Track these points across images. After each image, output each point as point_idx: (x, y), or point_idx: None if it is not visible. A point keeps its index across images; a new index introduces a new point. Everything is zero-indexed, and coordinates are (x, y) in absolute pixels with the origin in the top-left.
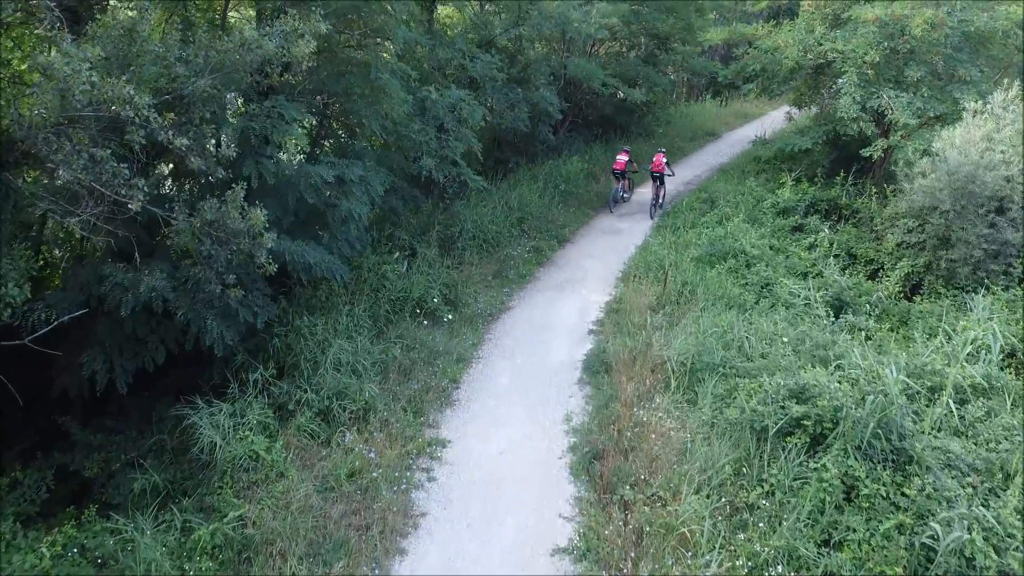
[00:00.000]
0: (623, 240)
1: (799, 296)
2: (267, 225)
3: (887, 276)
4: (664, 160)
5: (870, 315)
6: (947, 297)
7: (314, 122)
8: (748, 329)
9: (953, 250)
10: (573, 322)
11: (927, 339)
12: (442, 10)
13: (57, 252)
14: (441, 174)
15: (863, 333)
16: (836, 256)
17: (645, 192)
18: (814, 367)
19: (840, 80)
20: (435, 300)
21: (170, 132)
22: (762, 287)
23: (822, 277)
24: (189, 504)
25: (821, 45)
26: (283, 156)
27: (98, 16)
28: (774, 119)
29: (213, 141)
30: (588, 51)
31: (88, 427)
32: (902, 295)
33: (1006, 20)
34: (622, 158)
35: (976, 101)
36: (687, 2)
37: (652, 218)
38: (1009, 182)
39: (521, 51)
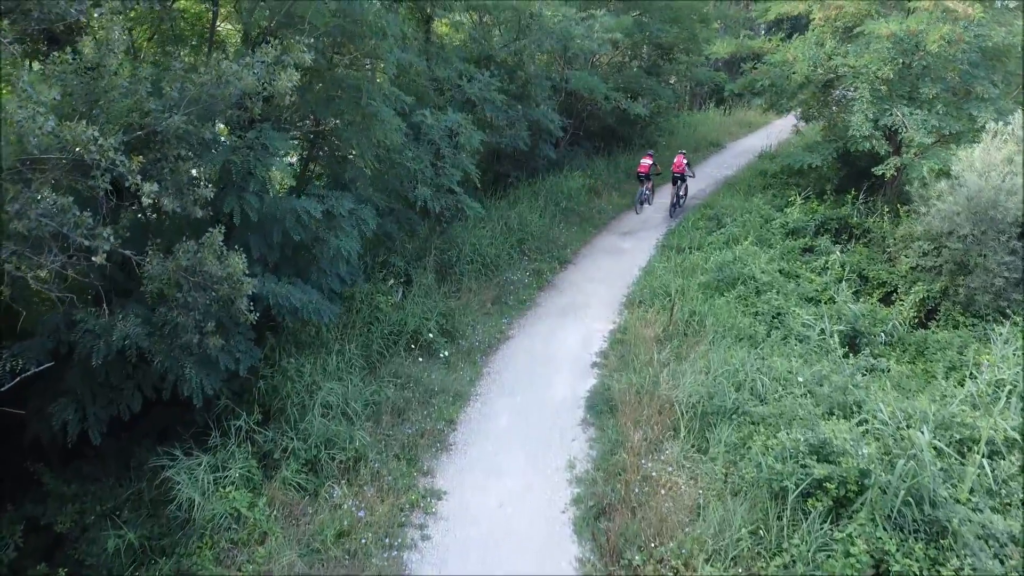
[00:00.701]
0: (627, 261)
1: (813, 327)
2: (247, 271)
3: (901, 300)
4: (685, 162)
5: (886, 345)
6: (965, 326)
7: (302, 152)
8: (760, 366)
9: (972, 277)
10: (576, 353)
11: (948, 373)
12: (439, 25)
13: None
14: (437, 204)
15: (883, 375)
16: (848, 280)
17: (662, 199)
18: (834, 416)
19: (850, 93)
20: (431, 333)
21: (139, 177)
22: (773, 316)
23: (834, 303)
24: (166, 566)
25: (832, 59)
26: (268, 189)
27: (57, 53)
28: (779, 128)
29: (195, 175)
30: (590, 62)
31: (63, 474)
32: (917, 320)
33: None
34: (646, 162)
35: (995, 120)
36: (691, 12)
37: (672, 217)
38: None
39: (521, 65)
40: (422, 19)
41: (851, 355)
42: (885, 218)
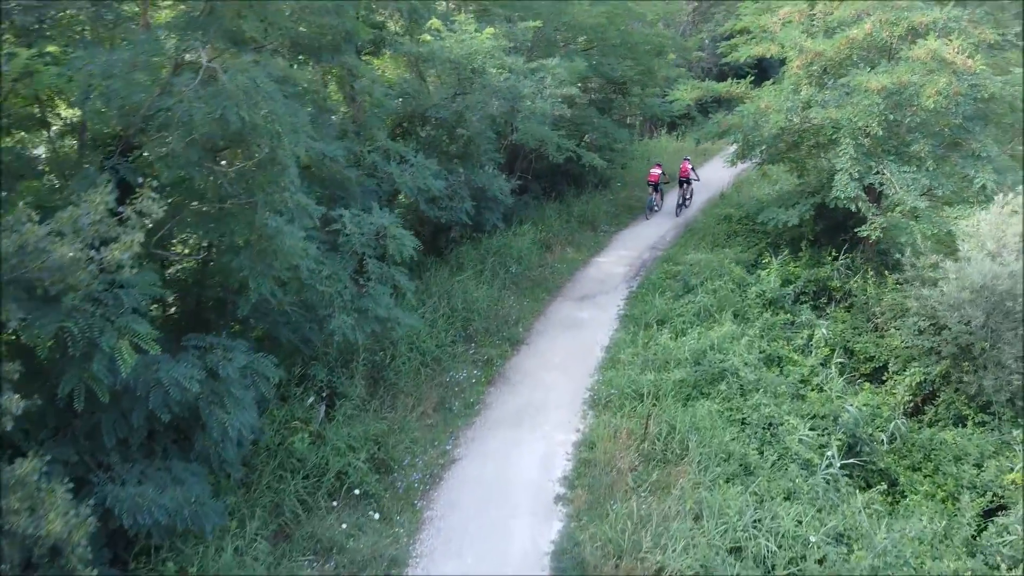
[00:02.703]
0: (586, 337)
1: (810, 443)
2: (87, 540)
3: (894, 380)
4: (690, 167)
5: (889, 450)
6: (976, 423)
7: (170, 297)
8: (762, 516)
9: (985, 373)
10: (536, 481)
11: (970, 495)
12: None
13: None
14: (360, 333)
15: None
16: (835, 359)
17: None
18: None
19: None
20: (359, 472)
21: None
22: (765, 427)
23: (823, 393)
24: None
25: (809, 107)
26: (124, 357)
27: None
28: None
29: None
30: None
31: None
32: (912, 405)
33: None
34: (656, 171)
35: (994, 181)
36: (646, 44)
37: (678, 216)
38: None
39: (462, 121)
40: (345, 76)
41: (859, 488)
42: (869, 282)
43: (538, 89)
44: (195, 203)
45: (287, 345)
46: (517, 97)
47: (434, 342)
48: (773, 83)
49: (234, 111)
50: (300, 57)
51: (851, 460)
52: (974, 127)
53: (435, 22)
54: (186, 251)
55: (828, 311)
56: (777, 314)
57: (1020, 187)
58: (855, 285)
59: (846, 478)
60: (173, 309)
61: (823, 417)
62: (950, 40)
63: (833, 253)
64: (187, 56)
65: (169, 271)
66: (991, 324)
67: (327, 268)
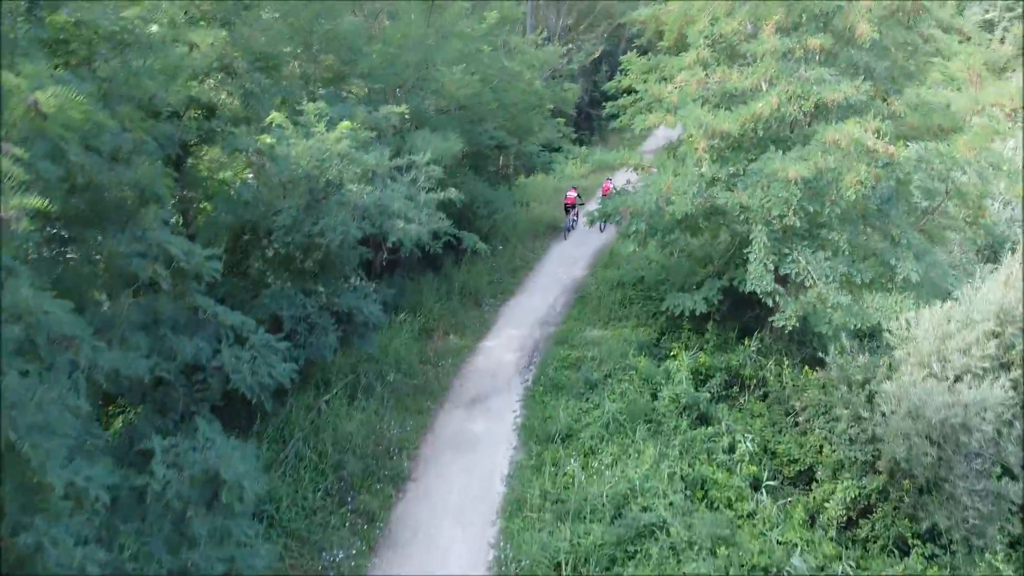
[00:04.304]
0: (483, 462)
1: None
2: None
3: (824, 489)
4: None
5: None
6: (920, 554)
7: None
8: None
9: (938, 510)
10: None
11: None
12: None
13: None
14: None
15: None
16: (761, 467)
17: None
18: None
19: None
20: None
21: None
22: None
23: (754, 527)
24: None
25: (714, 185)
26: None
27: None
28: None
29: None
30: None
31: None
32: (847, 519)
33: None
34: (572, 194)
35: (916, 272)
36: (526, 108)
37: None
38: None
39: (322, 233)
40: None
41: None
42: (785, 371)
43: (411, 193)
44: None
45: None
46: (386, 213)
47: (298, 511)
48: (674, 154)
49: None
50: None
51: None
52: (890, 209)
53: (276, 117)
54: None
55: (741, 401)
56: (695, 425)
57: (949, 281)
58: (769, 374)
59: None
60: None
61: (764, 569)
62: (866, 121)
63: (741, 335)
64: None
65: None
66: (940, 457)
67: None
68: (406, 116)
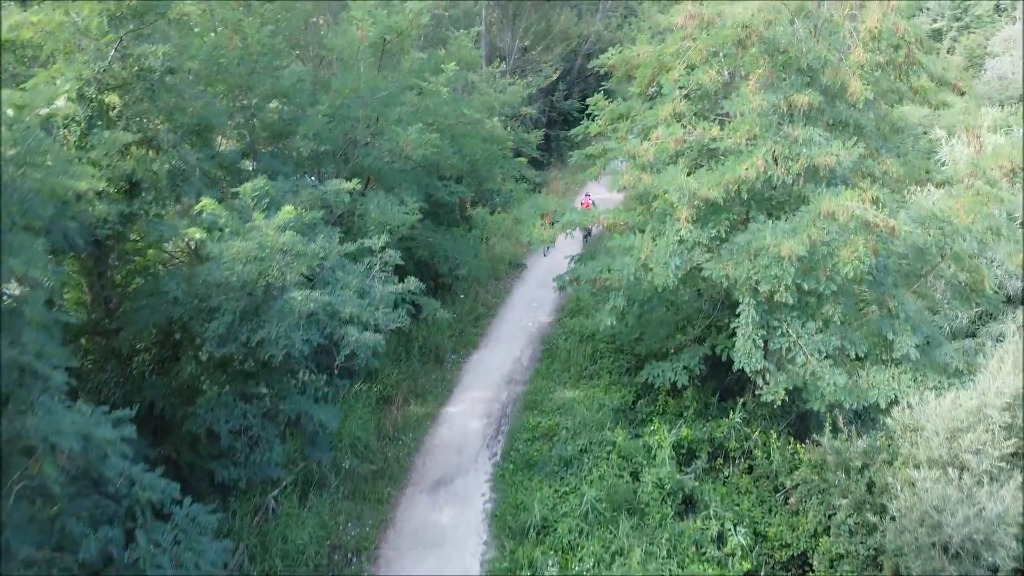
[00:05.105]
0: (451, 565)
1: None
2: None
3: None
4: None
5: None
6: None
7: None
8: None
9: None
10: None
11: None
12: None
13: None
14: None
15: None
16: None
17: None
18: None
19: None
20: None
21: None
22: None
23: None
24: None
25: (695, 251)
26: None
27: None
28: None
29: None
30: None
31: None
32: None
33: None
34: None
35: (916, 347)
36: (486, 155)
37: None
38: None
39: (260, 344)
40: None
41: None
42: (773, 447)
43: (365, 286)
44: None
45: None
46: (337, 319)
47: None
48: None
49: None
50: None
51: None
52: (885, 279)
53: (207, 204)
54: None
55: (726, 474)
56: (681, 512)
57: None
58: (755, 446)
59: None
60: None
61: None
62: (862, 190)
63: (723, 397)
64: None
65: None
66: (961, 570)
67: None
68: (358, 187)
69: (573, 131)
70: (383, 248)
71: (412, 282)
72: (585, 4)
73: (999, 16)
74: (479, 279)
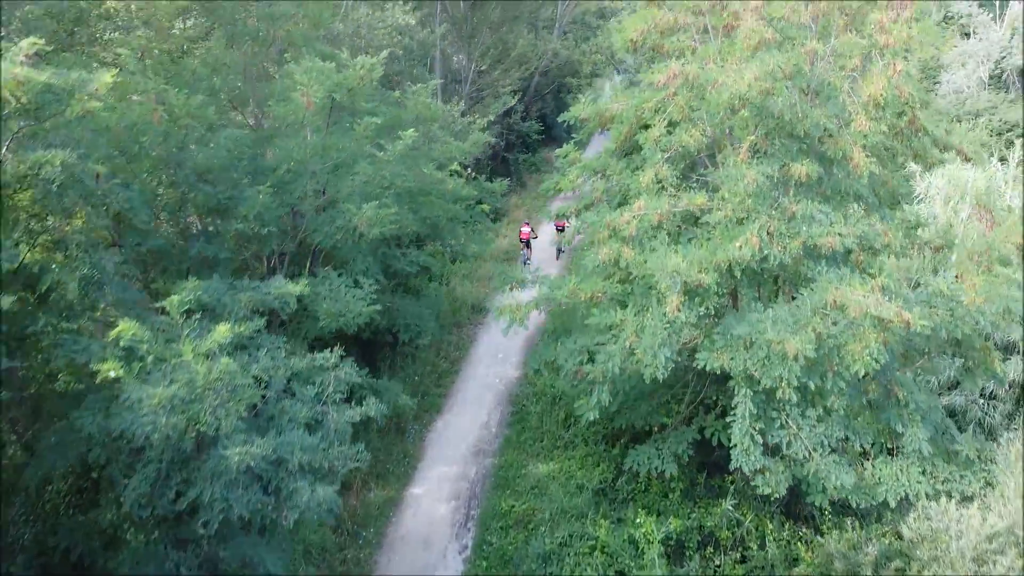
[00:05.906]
0: None
1: None
2: None
3: None
4: (529, 229)
5: None
6: None
7: None
8: None
9: None
10: None
11: None
12: None
13: None
14: None
15: None
16: None
17: None
18: None
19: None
20: None
21: None
22: None
23: None
24: None
25: (680, 331)
26: None
27: None
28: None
29: None
30: None
31: None
32: None
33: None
34: (526, 229)
35: (927, 439)
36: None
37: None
38: None
39: (193, 509)
40: None
41: None
42: (768, 534)
43: (317, 414)
44: None
45: None
46: (284, 469)
47: None
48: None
49: None
50: None
51: None
52: (891, 364)
53: (125, 328)
54: None
55: (716, 562)
56: None
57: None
58: (748, 535)
59: None
60: None
61: None
62: (871, 278)
63: (711, 474)
64: None
65: None
66: None
67: None
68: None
69: (542, 188)
70: (336, 365)
71: (372, 405)
72: (541, 21)
73: (946, 24)
74: (441, 329)
